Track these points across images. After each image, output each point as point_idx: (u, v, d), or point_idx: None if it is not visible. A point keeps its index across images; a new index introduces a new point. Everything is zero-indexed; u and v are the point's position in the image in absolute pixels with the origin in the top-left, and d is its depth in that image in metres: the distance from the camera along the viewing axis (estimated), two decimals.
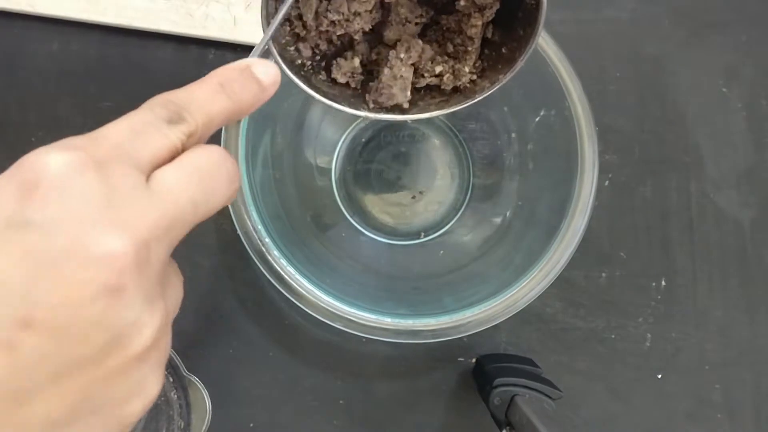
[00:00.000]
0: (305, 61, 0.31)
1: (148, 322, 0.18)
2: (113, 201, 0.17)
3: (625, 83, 0.48)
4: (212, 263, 0.46)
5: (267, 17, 0.28)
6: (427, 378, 0.45)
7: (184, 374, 0.41)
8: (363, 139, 0.47)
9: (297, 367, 0.45)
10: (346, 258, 0.44)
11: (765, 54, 0.49)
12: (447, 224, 0.46)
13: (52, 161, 0.17)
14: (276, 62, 0.28)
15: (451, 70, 0.32)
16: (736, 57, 0.49)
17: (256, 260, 0.37)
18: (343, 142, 0.47)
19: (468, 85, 0.32)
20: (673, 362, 0.46)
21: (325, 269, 0.42)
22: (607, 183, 0.47)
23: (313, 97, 0.29)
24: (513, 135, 0.45)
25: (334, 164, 0.47)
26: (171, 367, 0.40)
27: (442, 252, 0.45)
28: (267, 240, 0.37)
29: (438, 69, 0.32)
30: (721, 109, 0.49)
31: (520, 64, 0.29)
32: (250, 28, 0.46)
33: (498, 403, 0.39)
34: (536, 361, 0.44)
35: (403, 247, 0.46)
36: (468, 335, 0.39)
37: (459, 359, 0.45)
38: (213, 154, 0.20)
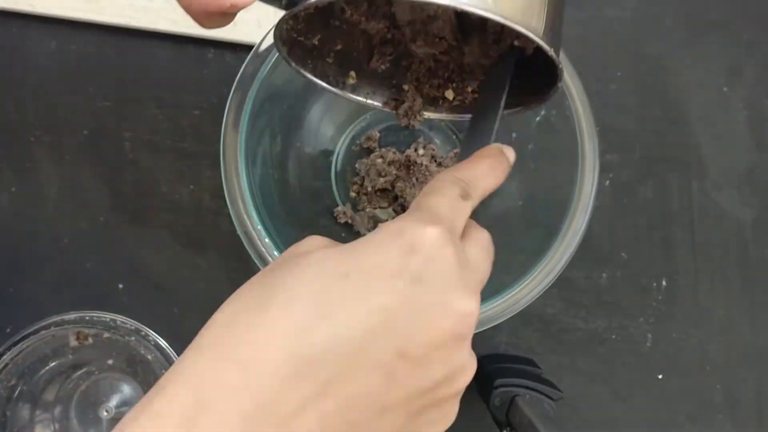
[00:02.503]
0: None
1: (470, 367, 0.23)
2: (463, 270, 0.23)
3: (626, 83, 0.48)
4: (212, 264, 0.45)
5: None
6: None
7: None
8: (362, 139, 0.46)
9: None
10: None
11: (766, 53, 0.49)
12: None
13: (428, 234, 0.22)
14: (284, 58, 0.31)
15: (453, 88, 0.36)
16: (738, 56, 0.49)
17: (255, 260, 0.37)
18: (342, 142, 0.47)
19: (469, 100, 0.36)
20: (674, 363, 0.46)
21: None
22: (607, 183, 0.47)
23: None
24: (513, 135, 0.44)
25: (334, 164, 0.47)
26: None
27: None
28: (267, 240, 0.37)
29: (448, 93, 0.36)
30: (722, 108, 0.48)
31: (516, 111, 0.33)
32: (249, 29, 0.45)
33: (498, 403, 0.39)
34: (537, 361, 0.44)
35: None
36: None
37: None
38: (488, 236, 0.27)
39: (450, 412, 0.23)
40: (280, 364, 0.20)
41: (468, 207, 0.26)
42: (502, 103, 0.30)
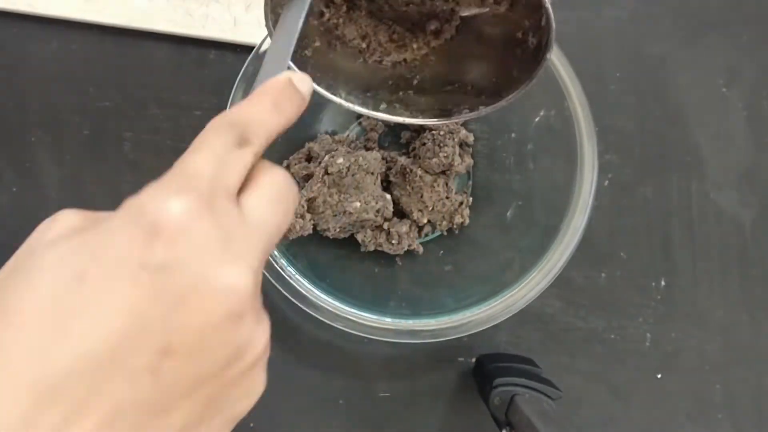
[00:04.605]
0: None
1: (259, 337, 0.21)
2: (226, 239, 0.20)
3: (626, 83, 0.48)
4: None
5: (270, 24, 0.30)
6: (427, 378, 0.45)
7: None
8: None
9: (297, 367, 0.45)
10: (347, 258, 0.44)
11: (765, 54, 0.49)
12: (447, 224, 0.46)
13: (172, 209, 0.19)
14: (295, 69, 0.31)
15: None
16: (737, 57, 0.49)
17: None
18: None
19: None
20: (673, 362, 0.46)
21: (326, 269, 0.42)
22: (606, 183, 0.47)
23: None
24: (513, 135, 0.45)
25: None
26: None
27: (442, 252, 0.45)
28: None
29: None
30: (721, 108, 0.49)
31: (503, 103, 0.32)
32: (250, 29, 0.46)
33: (498, 402, 0.39)
34: (536, 361, 0.44)
35: None
36: (468, 335, 0.39)
37: (459, 359, 0.45)
38: (282, 177, 0.22)
39: (253, 386, 0.21)
40: (19, 398, 0.17)
41: (247, 154, 0.22)
42: (301, 23, 0.26)
